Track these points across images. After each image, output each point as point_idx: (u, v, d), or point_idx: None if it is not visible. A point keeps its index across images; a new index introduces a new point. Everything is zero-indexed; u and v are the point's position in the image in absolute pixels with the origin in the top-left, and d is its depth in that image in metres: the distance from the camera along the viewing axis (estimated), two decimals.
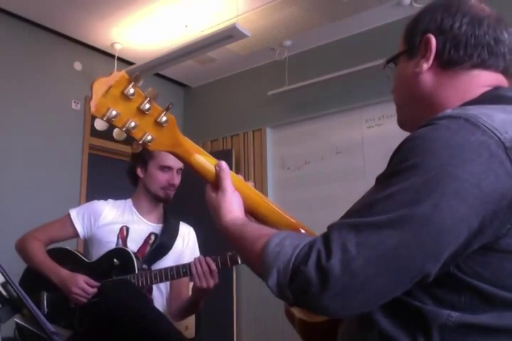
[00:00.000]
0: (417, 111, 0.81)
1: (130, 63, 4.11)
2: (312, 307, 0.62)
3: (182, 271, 1.67)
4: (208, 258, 1.66)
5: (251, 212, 0.89)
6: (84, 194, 3.69)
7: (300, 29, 3.67)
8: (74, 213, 1.89)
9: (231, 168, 3.30)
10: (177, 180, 1.87)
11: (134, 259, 1.73)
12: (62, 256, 1.84)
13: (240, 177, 0.91)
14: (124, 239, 1.85)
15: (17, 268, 1.51)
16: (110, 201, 1.97)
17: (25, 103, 3.50)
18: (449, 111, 0.69)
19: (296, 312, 0.94)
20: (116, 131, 0.85)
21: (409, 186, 0.61)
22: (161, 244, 1.87)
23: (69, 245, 1.97)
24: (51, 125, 3.61)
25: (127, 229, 1.87)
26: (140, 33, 3.73)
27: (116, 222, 1.88)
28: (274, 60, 4.09)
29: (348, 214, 0.66)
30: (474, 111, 0.66)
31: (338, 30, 3.72)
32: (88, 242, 1.92)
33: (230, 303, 3.88)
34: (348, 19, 3.54)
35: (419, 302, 0.65)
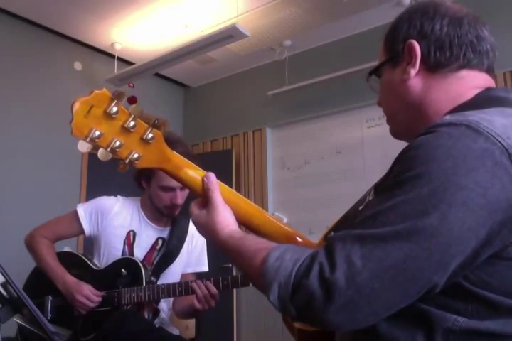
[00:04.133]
0: (410, 120, 0.80)
1: (130, 63, 4.11)
2: (316, 321, 0.61)
3: (191, 288, 1.64)
4: (208, 283, 1.62)
5: (245, 223, 0.86)
6: (84, 194, 3.70)
7: (300, 29, 3.67)
8: (81, 211, 1.83)
9: (231, 168, 3.34)
10: (181, 199, 1.76)
11: (143, 271, 1.70)
12: (70, 261, 1.80)
13: (231, 189, 0.88)
14: (131, 245, 1.81)
15: (18, 267, 1.50)
16: (120, 199, 1.89)
17: (25, 103, 3.50)
18: (448, 118, 0.67)
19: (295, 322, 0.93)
20: (101, 151, 0.81)
21: (414, 197, 0.59)
22: (168, 252, 1.82)
23: (69, 244, 1.96)
24: (51, 125, 3.61)
25: (134, 234, 1.82)
26: (140, 33, 3.73)
27: (124, 226, 1.82)
28: (274, 60, 4.09)
29: (349, 225, 0.64)
30: (474, 116, 0.65)
31: (338, 30, 3.72)
32: (93, 241, 1.87)
33: (230, 303, 3.88)
34: (348, 19, 3.54)
35: (425, 304, 0.63)
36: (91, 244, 1.91)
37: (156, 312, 1.82)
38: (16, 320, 1.12)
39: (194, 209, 0.86)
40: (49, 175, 3.53)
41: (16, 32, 3.53)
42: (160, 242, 1.85)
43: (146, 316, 1.79)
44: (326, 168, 3.74)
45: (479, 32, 0.76)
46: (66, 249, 1.92)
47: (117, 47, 3.92)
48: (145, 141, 0.82)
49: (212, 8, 3.37)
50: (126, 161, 0.82)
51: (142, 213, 1.87)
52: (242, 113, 4.35)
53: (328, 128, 3.80)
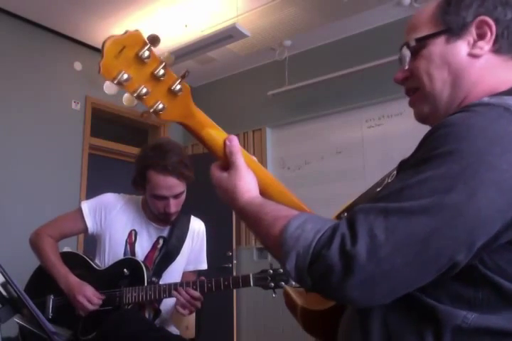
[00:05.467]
0: (454, 96, 0.77)
1: None
2: (332, 294, 0.59)
3: (192, 287, 1.65)
4: (188, 289, 1.63)
5: (260, 192, 0.82)
6: (84, 194, 3.69)
7: (300, 29, 3.67)
8: (86, 207, 1.83)
9: None
10: (173, 207, 1.75)
11: (145, 271, 1.70)
12: (72, 261, 1.80)
13: (251, 156, 0.85)
14: (132, 244, 1.81)
15: (18, 267, 1.50)
16: (123, 197, 1.90)
17: (25, 103, 3.50)
18: (486, 99, 0.67)
19: (298, 300, 0.93)
20: (126, 96, 0.78)
21: (444, 173, 0.58)
22: (167, 252, 1.83)
23: (69, 244, 1.96)
24: (51, 125, 3.61)
25: (135, 233, 1.83)
26: None
27: (126, 224, 1.83)
28: (274, 60, 4.09)
29: (374, 198, 0.62)
30: None
31: (338, 30, 3.72)
32: (96, 239, 1.87)
33: (230, 303, 3.88)
34: (348, 19, 3.54)
35: (433, 300, 0.63)
36: (93, 242, 1.91)
37: (157, 313, 1.82)
38: (16, 320, 1.12)
39: (215, 171, 0.83)
40: (49, 175, 3.53)
41: (15, 32, 3.53)
42: (161, 241, 1.86)
43: (147, 316, 1.79)
44: (326, 167, 3.74)
45: None
46: (66, 249, 1.92)
47: None
48: (172, 93, 0.78)
49: (212, 8, 3.37)
50: (151, 110, 0.78)
51: (143, 212, 1.87)
52: (242, 113, 4.35)
53: (328, 128, 3.80)
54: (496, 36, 0.75)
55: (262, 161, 4.08)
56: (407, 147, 0.68)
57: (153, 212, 1.80)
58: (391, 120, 3.47)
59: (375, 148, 3.48)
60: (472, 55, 0.76)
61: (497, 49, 0.76)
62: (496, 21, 0.75)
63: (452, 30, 0.78)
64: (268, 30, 3.66)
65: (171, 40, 3.72)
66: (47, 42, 3.72)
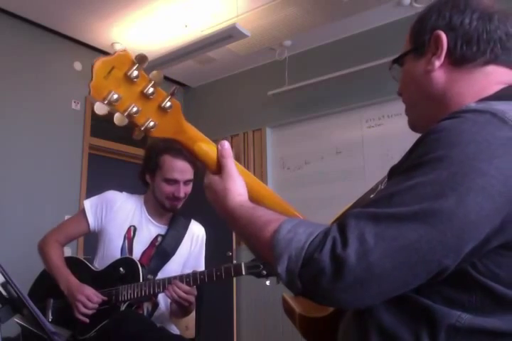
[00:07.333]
0: (431, 111, 0.79)
1: None
2: (321, 297, 0.60)
3: (186, 280, 1.65)
4: (176, 281, 1.64)
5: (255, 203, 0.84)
6: (84, 194, 3.69)
7: (300, 29, 3.67)
8: (88, 204, 1.88)
9: None
10: (183, 192, 1.81)
11: (140, 269, 1.72)
12: (73, 266, 1.82)
13: (244, 169, 0.87)
14: (131, 240, 1.83)
15: (18, 267, 1.50)
16: (125, 194, 1.94)
17: (25, 103, 3.50)
18: (473, 105, 0.67)
19: (296, 307, 0.93)
20: (117, 115, 0.79)
21: (433, 179, 0.59)
22: (161, 251, 1.85)
23: (70, 245, 1.97)
24: (51, 125, 3.61)
25: (135, 229, 1.86)
26: (140, 33, 3.73)
27: (126, 220, 1.86)
28: (274, 60, 4.09)
29: (365, 203, 0.63)
30: (500, 106, 0.64)
31: (338, 30, 3.72)
32: (98, 236, 1.90)
33: (230, 303, 3.88)
34: (348, 19, 3.54)
35: (428, 300, 0.63)
36: (94, 242, 1.93)
37: (155, 305, 1.83)
38: (16, 320, 1.12)
39: (207, 175, 0.85)
40: (49, 175, 3.53)
41: (15, 32, 3.53)
42: (159, 239, 1.88)
43: (146, 309, 1.81)
44: (326, 167, 3.74)
45: (509, 29, 0.76)
46: (66, 251, 1.93)
47: (117, 47, 3.91)
48: (162, 110, 0.80)
49: (212, 8, 3.37)
50: (142, 128, 0.80)
51: (145, 209, 1.90)
52: (242, 113, 4.35)
53: (328, 128, 3.80)
54: (449, 48, 0.75)
55: (262, 161, 4.09)
56: (406, 147, 0.69)
57: (161, 199, 1.83)
58: (391, 120, 3.47)
59: (375, 148, 3.48)
60: (427, 72, 0.77)
61: (456, 61, 0.75)
62: (451, 32, 0.75)
63: (417, 48, 0.80)
64: (268, 30, 3.66)
65: (171, 40, 3.72)
66: (47, 42, 3.72)
